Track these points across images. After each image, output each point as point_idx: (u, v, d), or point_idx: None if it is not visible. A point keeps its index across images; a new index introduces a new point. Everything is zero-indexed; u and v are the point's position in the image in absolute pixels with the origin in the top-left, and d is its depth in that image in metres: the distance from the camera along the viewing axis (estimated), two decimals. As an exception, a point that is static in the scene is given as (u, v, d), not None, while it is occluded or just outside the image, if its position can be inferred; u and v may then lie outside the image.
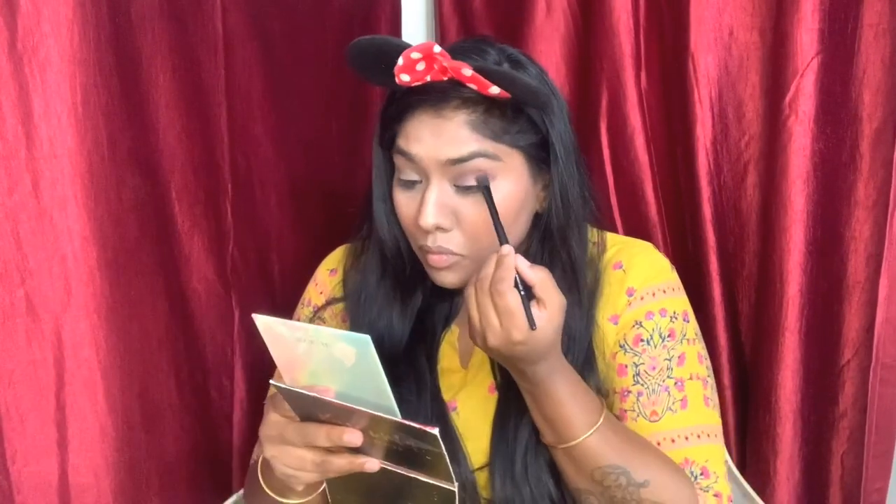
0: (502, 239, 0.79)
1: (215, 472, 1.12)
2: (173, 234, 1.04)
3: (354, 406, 0.70)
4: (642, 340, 0.89)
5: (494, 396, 0.91)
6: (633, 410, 0.88)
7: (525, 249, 0.91)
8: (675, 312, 0.91)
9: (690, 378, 0.89)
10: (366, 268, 0.96)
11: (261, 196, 1.16)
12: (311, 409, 0.73)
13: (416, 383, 0.92)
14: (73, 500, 0.92)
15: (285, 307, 1.05)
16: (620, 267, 0.92)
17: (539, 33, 1.25)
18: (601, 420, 0.81)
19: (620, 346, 0.90)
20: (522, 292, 0.75)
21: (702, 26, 1.12)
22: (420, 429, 0.68)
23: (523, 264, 0.76)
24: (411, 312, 0.95)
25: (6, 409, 0.87)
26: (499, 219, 0.80)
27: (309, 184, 1.24)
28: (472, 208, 0.84)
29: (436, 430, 0.68)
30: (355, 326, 0.95)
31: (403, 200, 0.87)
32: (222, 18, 1.07)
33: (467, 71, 0.79)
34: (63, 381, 0.90)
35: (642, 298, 0.90)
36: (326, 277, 1.02)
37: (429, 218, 0.83)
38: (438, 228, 0.84)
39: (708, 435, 0.88)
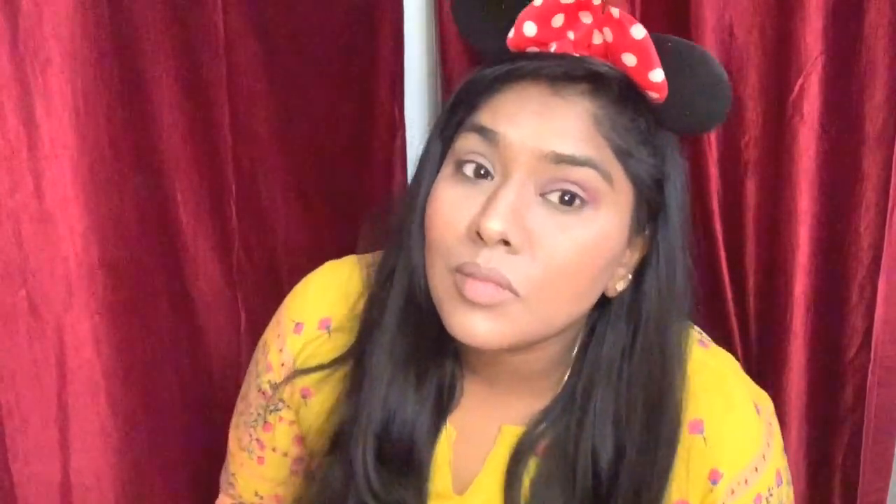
0: None
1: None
2: (177, 234, 1.04)
3: None
4: None
5: None
6: None
7: (577, 331, 0.67)
8: (769, 488, 0.67)
9: None
10: (384, 309, 0.69)
11: (266, 195, 1.16)
12: None
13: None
14: (74, 500, 0.92)
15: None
16: (700, 431, 0.66)
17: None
18: None
19: None
20: None
21: (702, 26, 1.11)
22: None
23: None
24: (430, 392, 0.69)
25: (8, 410, 0.86)
26: None
27: (316, 182, 1.23)
28: (558, 232, 0.60)
29: None
30: (366, 395, 0.69)
31: (452, 198, 0.61)
32: (223, 17, 1.06)
33: (639, 31, 0.59)
34: (65, 381, 0.90)
35: (733, 492, 0.66)
36: (289, 333, 0.75)
37: (496, 222, 0.58)
38: (503, 242, 0.59)
39: None
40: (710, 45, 1.11)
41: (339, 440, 0.71)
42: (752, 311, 1.16)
